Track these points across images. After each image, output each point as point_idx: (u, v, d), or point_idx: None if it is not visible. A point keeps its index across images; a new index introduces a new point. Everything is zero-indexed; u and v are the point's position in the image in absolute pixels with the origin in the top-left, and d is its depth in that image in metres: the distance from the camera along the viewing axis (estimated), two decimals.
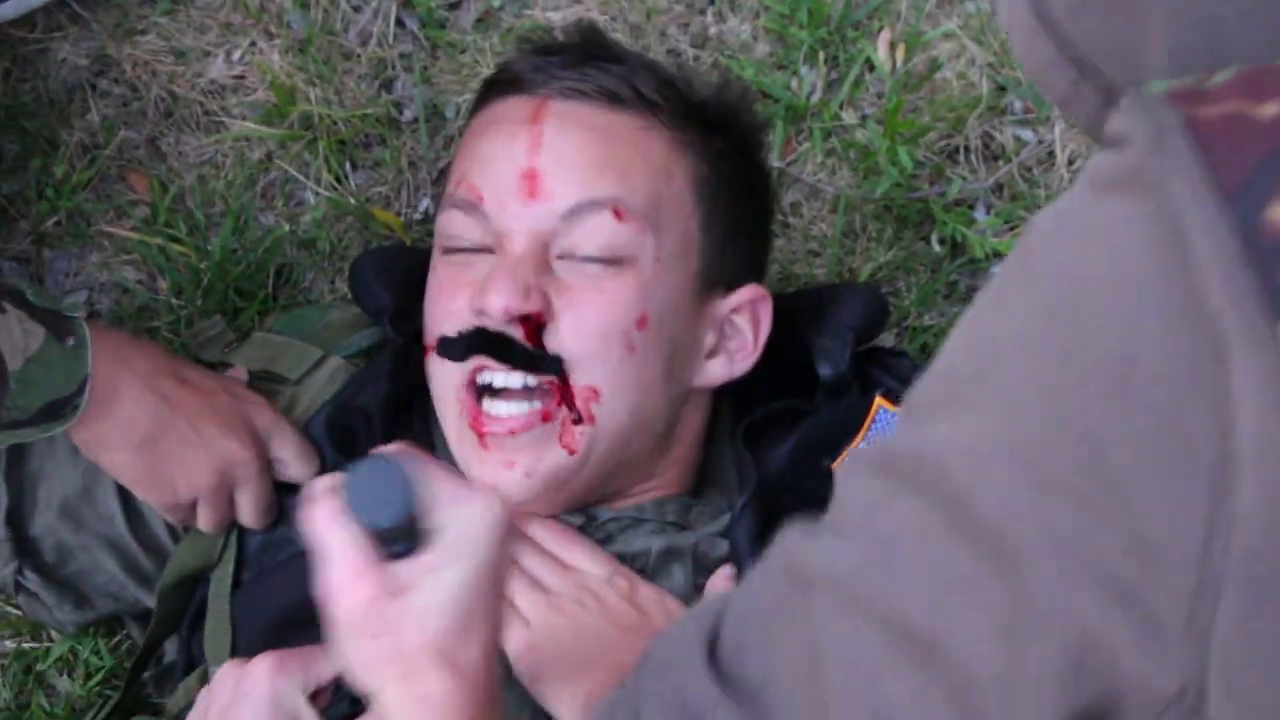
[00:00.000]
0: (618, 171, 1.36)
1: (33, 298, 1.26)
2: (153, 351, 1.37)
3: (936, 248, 1.74)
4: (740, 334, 1.43)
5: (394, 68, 1.77)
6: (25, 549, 1.46)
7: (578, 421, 1.34)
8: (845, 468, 0.86)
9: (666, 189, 1.38)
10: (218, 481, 1.37)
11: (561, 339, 1.34)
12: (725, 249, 1.42)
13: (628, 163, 1.37)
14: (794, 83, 1.76)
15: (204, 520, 1.40)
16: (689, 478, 1.46)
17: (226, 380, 1.42)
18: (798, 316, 1.51)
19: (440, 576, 1.00)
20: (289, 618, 1.35)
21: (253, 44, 1.76)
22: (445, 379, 1.38)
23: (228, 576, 1.42)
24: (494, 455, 1.35)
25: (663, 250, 1.37)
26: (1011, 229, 1.75)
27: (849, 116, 1.76)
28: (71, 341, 1.26)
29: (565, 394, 1.34)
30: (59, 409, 1.26)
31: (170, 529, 1.46)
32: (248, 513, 1.40)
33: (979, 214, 1.75)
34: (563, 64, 1.40)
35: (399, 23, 1.77)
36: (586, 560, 1.35)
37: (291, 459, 1.41)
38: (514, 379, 1.34)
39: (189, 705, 1.34)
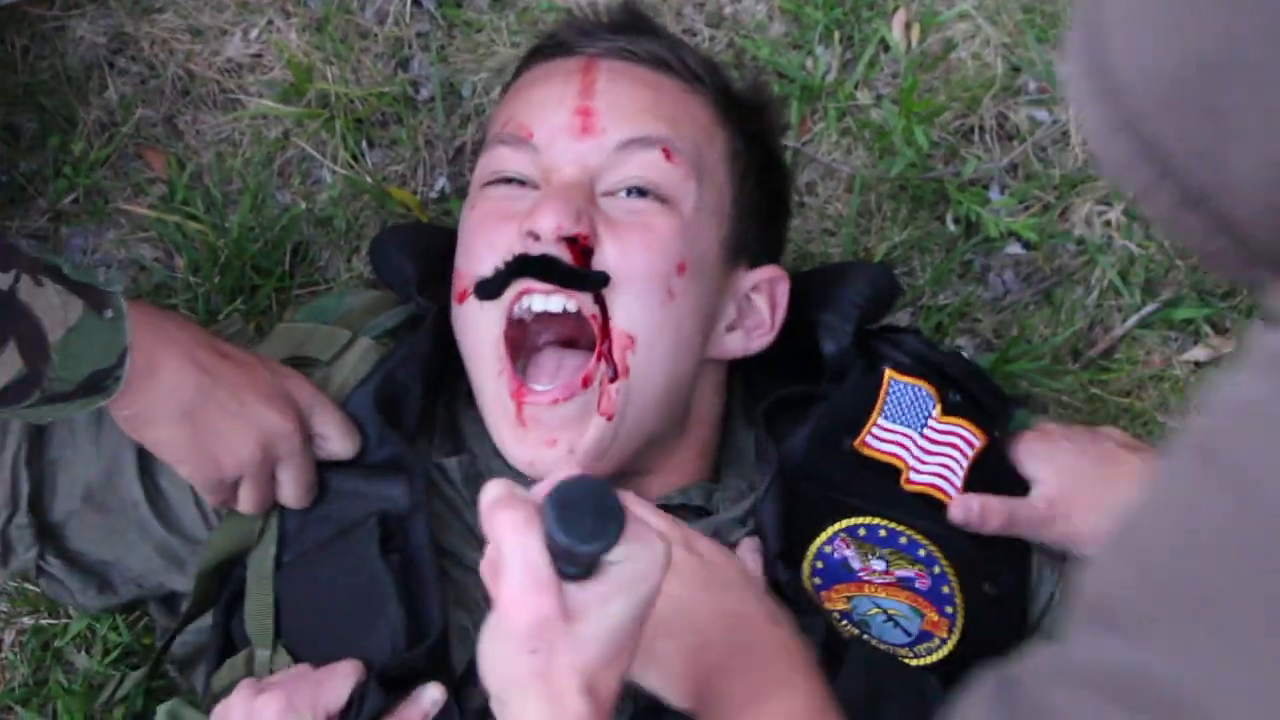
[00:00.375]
0: (667, 118, 1.40)
1: (69, 272, 1.26)
2: (189, 325, 1.37)
3: (951, 227, 1.75)
4: (758, 312, 1.45)
5: (410, 46, 1.77)
6: (48, 535, 1.45)
7: (613, 379, 1.35)
8: (1048, 679, 0.79)
9: (709, 148, 1.42)
10: (261, 455, 1.35)
11: (608, 260, 1.35)
12: (750, 224, 1.45)
13: (675, 112, 1.41)
14: (809, 63, 1.77)
15: (246, 499, 1.38)
16: (709, 462, 1.46)
17: (264, 356, 1.41)
18: (806, 295, 1.51)
19: (608, 609, 1.00)
20: (333, 599, 1.36)
21: (270, 22, 1.76)
22: (483, 331, 1.38)
23: (269, 558, 1.40)
24: (533, 433, 1.36)
25: (702, 201, 1.39)
26: (1026, 208, 1.76)
27: (864, 96, 1.76)
28: (110, 313, 1.25)
29: (604, 335, 1.34)
30: (100, 380, 1.25)
31: (200, 512, 1.45)
32: (290, 490, 1.39)
33: (994, 193, 1.76)
34: (611, 30, 1.45)
35: (415, 2, 1.77)
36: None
37: (334, 434, 1.40)
38: (554, 302, 1.35)
39: (233, 684, 1.34)
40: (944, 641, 1.37)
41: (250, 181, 1.71)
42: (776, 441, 1.42)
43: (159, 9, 1.75)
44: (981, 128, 1.77)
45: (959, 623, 1.38)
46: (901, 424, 1.45)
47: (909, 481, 1.43)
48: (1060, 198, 1.76)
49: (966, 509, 1.41)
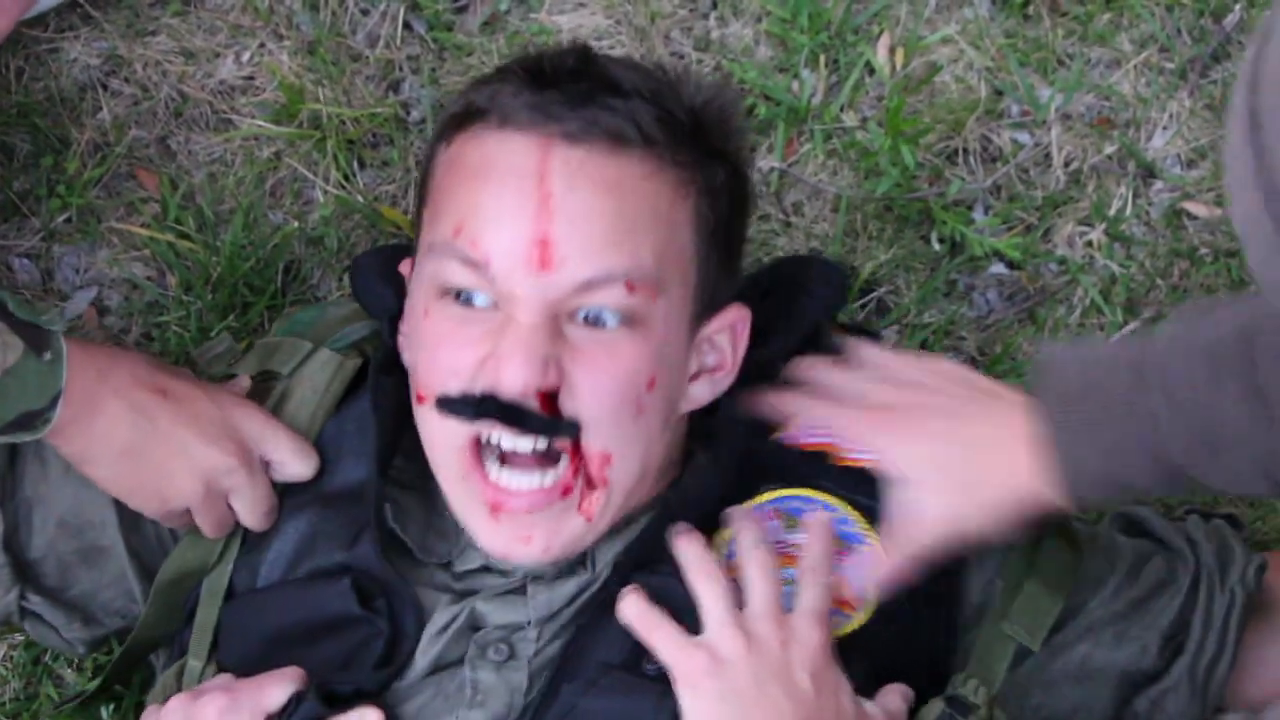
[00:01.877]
0: (629, 238, 1.31)
1: (14, 309, 1.28)
2: (135, 364, 1.39)
3: (936, 246, 1.77)
4: (719, 351, 1.41)
5: (401, 69, 1.79)
6: (26, 574, 1.46)
7: (593, 487, 1.33)
8: None
9: (672, 242, 1.34)
10: (205, 490, 1.38)
11: (578, 404, 1.30)
12: (717, 279, 1.39)
13: (636, 224, 1.31)
14: (795, 85, 1.79)
15: (202, 526, 1.42)
16: (666, 480, 1.44)
17: (213, 389, 1.43)
18: (765, 296, 1.51)
19: None
20: (273, 640, 1.38)
21: (262, 45, 1.78)
22: (445, 438, 1.34)
23: (224, 577, 1.43)
24: (507, 529, 1.33)
25: (670, 307, 1.34)
26: (1009, 228, 1.78)
27: (849, 119, 1.79)
28: (48, 356, 1.28)
29: (579, 459, 1.32)
30: (30, 421, 1.28)
31: (164, 538, 1.47)
32: (245, 517, 1.42)
33: (977, 214, 1.78)
34: (563, 101, 1.32)
35: (406, 25, 1.79)
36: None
37: (288, 458, 1.42)
38: (523, 443, 1.31)
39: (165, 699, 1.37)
40: (849, 617, 1.39)
41: (242, 201, 1.72)
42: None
43: (152, 32, 1.77)
44: (965, 150, 1.80)
45: (871, 600, 1.39)
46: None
47: (840, 459, 1.43)
48: (1043, 218, 1.78)
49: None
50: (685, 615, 1.32)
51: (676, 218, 1.34)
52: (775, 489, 1.41)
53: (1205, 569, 1.49)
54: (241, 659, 1.38)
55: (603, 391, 1.30)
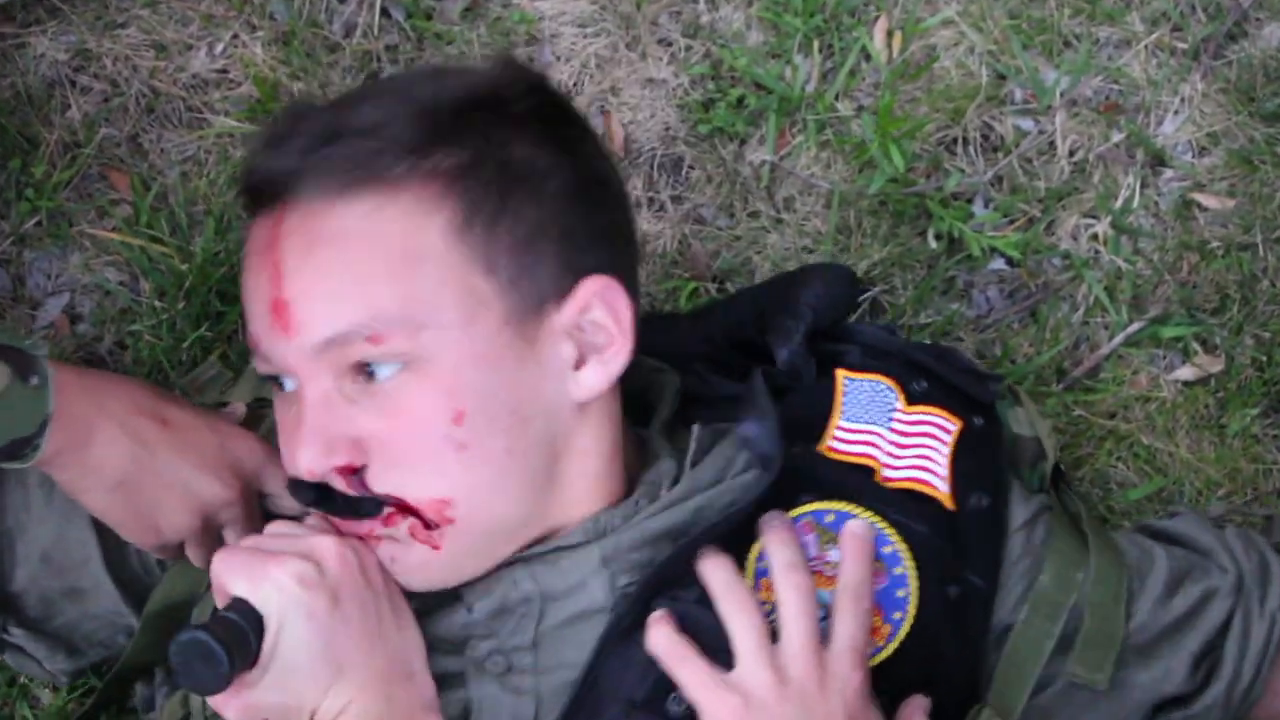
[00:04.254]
0: (358, 289, 1.23)
1: None
2: (133, 391, 1.34)
3: (933, 244, 1.70)
4: (602, 328, 1.29)
5: (380, 60, 1.73)
6: (8, 606, 1.43)
7: (433, 526, 1.26)
8: None
9: (419, 272, 1.24)
10: (200, 522, 1.34)
11: (382, 479, 1.25)
12: (528, 268, 1.27)
13: (366, 271, 1.23)
14: (788, 72, 1.72)
15: (193, 558, 1.38)
16: (618, 483, 1.35)
17: (213, 418, 1.38)
18: (766, 303, 1.46)
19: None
20: None
21: (235, 37, 1.72)
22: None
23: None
24: (378, 548, 1.29)
25: (449, 331, 1.24)
26: (1010, 222, 1.71)
27: (844, 107, 1.72)
28: (35, 380, 1.23)
29: (405, 511, 1.26)
30: (18, 449, 1.23)
31: (161, 561, 1.44)
32: None
33: (977, 208, 1.71)
34: (287, 164, 1.26)
35: (384, 13, 1.73)
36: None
37: (284, 492, 1.37)
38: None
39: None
40: (878, 649, 1.33)
41: (215, 204, 1.67)
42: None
43: (121, 24, 1.71)
44: (965, 139, 1.73)
45: (902, 630, 1.34)
46: (864, 422, 1.40)
47: (885, 480, 1.37)
48: (1046, 211, 1.71)
49: None
50: (714, 648, 1.26)
51: (417, 241, 1.24)
52: (813, 501, 1.35)
53: (1245, 593, 1.44)
54: None
55: (397, 453, 1.24)
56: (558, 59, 1.73)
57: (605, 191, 1.34)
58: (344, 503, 1.26)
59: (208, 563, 1.35)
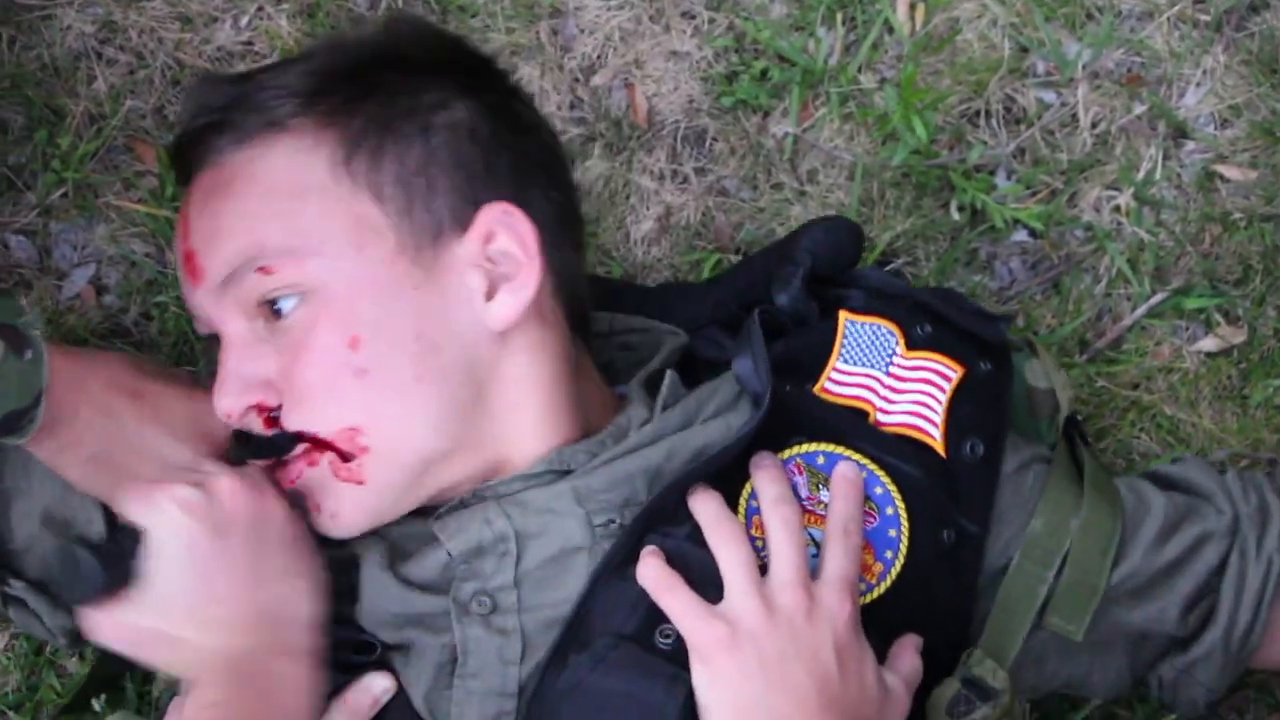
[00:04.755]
0: (243, 225, 1.31)
1: None
2: (112, 367, 1.36)
3: (956, 215, 1.71)
4: (510, 257, 1.33)
5: None
6: (9, 564, 1.45)
7: (348, 459, 1.30)
8: None
9: (304, 205, 1.31)
10: None
11: (293, 416, 1.30)
12: (419, 198, 1.32)
13: (250, 209, 1.31)
14: (811, 45, 1.73)
15: None
16: (570, 419, 1.37)
17: (191, 388, 1.40)
18: (770, 257, 1.48)
19: None
20: None
21: (260, 9, 1.72)
22: None
23: None
24: (306, 502, 1.33)
25: (339, 260, 1.29)
26: (1033, 194, 1.72)
27: (867, 80, 1.72)
28: (29, 354, 1.26)
29: (320, 447, 1.30)
30: (16, 421, 1.25)
31: None
32: None
33: (1000, 179, 1.72)
34: (193, 131, 1.37)
35: None
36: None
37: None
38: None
39: (172, 683, 1.37)
40: (871, 587, 1.34)
41: None
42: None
43: None
44: (988, 111, 1.73)
45: (894, 570, 1.35)
46: (862, 365, 1.41)
47: (879, 424, 1.38)
48: (1069, 183, 1.72)
49: None
50: (704, 582, 1.27)
51: (309, 177, 1.31)
52: (804, 443, 1.36)
53: (1241, 535, 1.44)
54: None
55: (302, 386, 1.30)
56: (582, 31, 1.73)
57: (509, 126, 1.38)
58: (263, 445, 1.32)
59: None
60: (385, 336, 1.29)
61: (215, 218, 1.33)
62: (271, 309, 1.31)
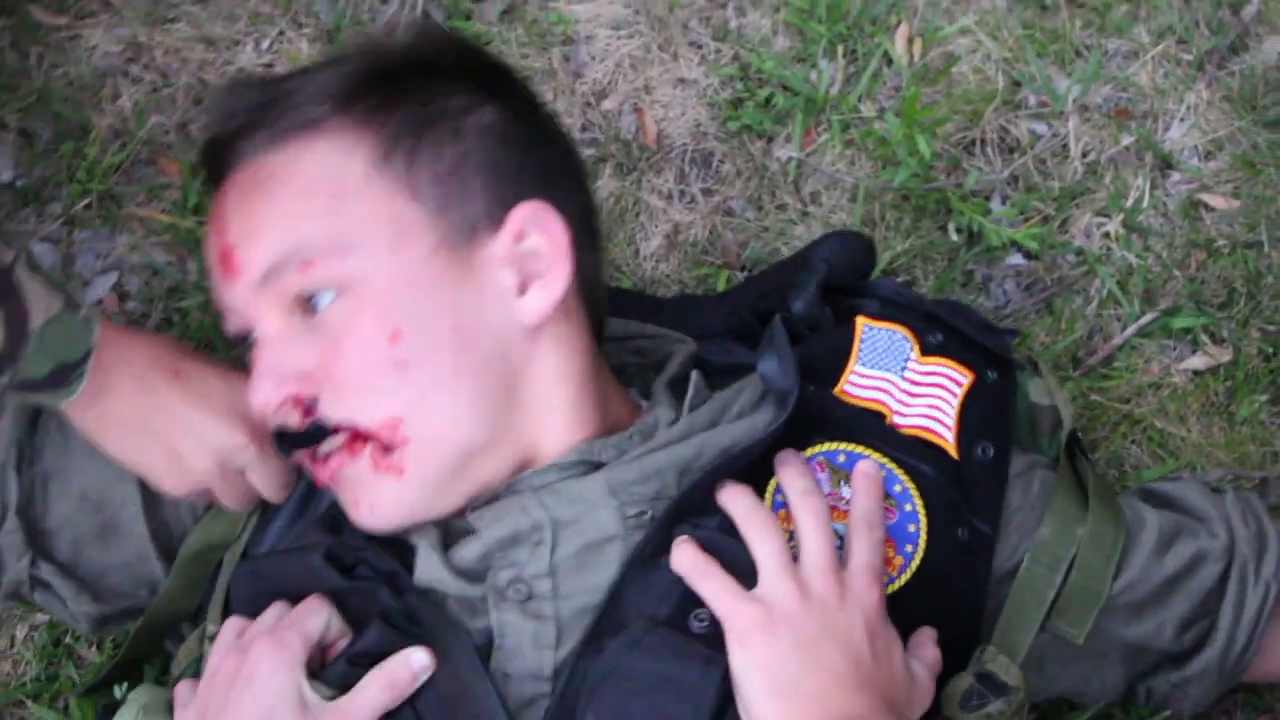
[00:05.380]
0: (285, 221, 1.33)
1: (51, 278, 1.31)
2: (155, 346, 1.40)
3: (954, 236, 1.77)
4: (540, 255, 1.36)
5: None
6: (39, 543, 1.47)
7: (389, 450, 1.32)
8: None
9: (343, 203, 1.33)
10: (217, 467, 1.39)
11: (333, 408, 1.32)
12: (454, 197, 1.35)
13: (294, 207, 1.34)
14: (813, 75, 1.80)
15: (223, 501, 1.43)
16: (596, 415, 1.40)
17: (229, 370, 1.43)
18: (784, 269, 1.53)
19: None
20: (277, 599, 1.37)
21: (281, 33, 1.78)
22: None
23: (241, 547, 1.45)
24: (345, 496, 1.35)
25: (378, 256, 1.32)
26: (1026, 219, 1.78)
27: (867, 109, 1.79)
28: (83, 313, 1.31)
29: (362, 438, 1.32)
30: (66, 375, 1.29)
31: (182, 518, 1.49)
32: (263, 491, 1.43)
33: (995, 204, 1.78)
34: (227, 130, 1.39)
35: (425, 13, 1.80)
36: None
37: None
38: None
39: (190, 665, 1.40)
40: (892, 579, 1.37)
41: None
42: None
43: (172, 19, 1.78)
44: (983, 140, 1.80)
45: (914, 564, 1.38)
46: (879, 369, 1.45)
47: (895, 425, 1.43)
48: (1060, 209, 1.78)
49: None
50: (735, 570, 1.29)
51: (347, 176, 1.34)
52: (825, 442, 1.40)
53: (1239, 556, 1.49)
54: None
55: (341, 378, 1.31)
56: (593, 59, 1.80)
57: (534, 131, 1.42)
58: (297, 439, 1.34)
59: (238, 505, 1.44)
60: (424, 330, 1.32)
61: (254, 214, 1.35)
62: (308, 304, 1.33)
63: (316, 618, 1.31)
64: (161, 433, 1.37)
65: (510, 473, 1.37)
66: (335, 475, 1.34)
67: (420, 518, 1.35)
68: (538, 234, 1.36)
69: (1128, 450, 1.73)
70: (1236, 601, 1.48)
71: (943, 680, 1.37)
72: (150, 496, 1.46)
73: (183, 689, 1.36)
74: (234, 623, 1.36)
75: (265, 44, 1.78)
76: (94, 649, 1.62)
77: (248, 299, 1.35)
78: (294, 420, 1.34)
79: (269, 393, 1.33)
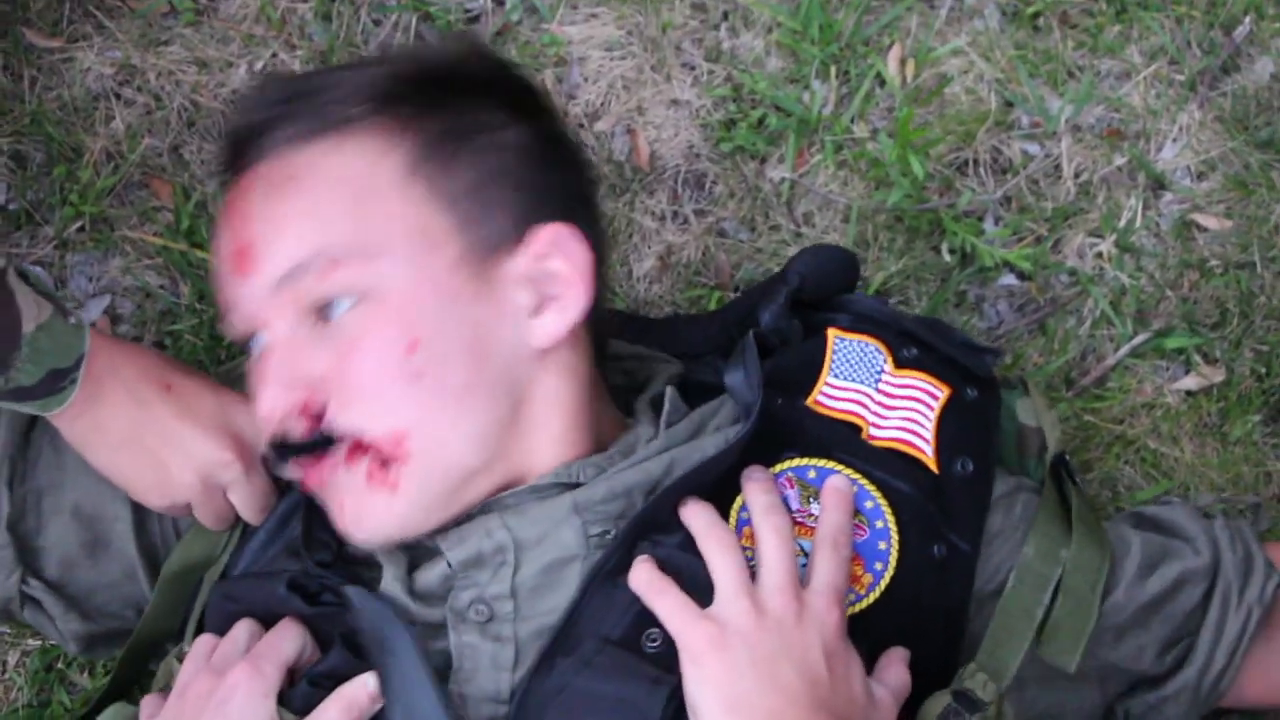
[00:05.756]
0: (313, 219, 1.32)
1: (34, 283, 1.31)
2: (146, 359, 1.40)
3: (946, 257, 1.77)
4: (559, 278, 1.36)
5: None
6: (29, 559, 1.46)
7: (387, 464, 1.30)
8: None
9: (373, 206, 1.32)
10: (201, 483, 1.39)
11: (340, 416, 1.31)
12: (482, 212, 1.34)
13: (321, 206, 1.32)
14: (806, 96, 1.80)
15: (201, 518, 1.43)
16: (587, 435, 1.40)
17: (217, 386, 1.43)
18: (765, 284, 1.53)
19: None
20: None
21: (274, 55, 1.78)
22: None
23: (220, 568, 1.45)
24: (332, 504, 1.35)
25: (403, 262, 1.31)
26: (1019, 239, 1.78)
27: (860, 130, 1.79)
28: (73, 320, 1.32)
29: (362, 449, 1.31)
30: (58, 380, 1.30)
31: (167, 538, 1.49)
32: (242, 510, 1.43)
33: (988, 225, 1.79)
34: (255, 121, 1.37)
35: (418, 35, 1.79)
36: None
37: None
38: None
39: (167, 685, 1.38)
40: (860, 597, 1.36)
41: None
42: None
43: (165, 41, 1.77)
44: (976, 161, 1.80)
45: (883, 583, 1.37)
46: (853, 380, 1.44)
47: (871, 438, 1.42)
48: (1053, 230, 1.79)
49: None
50: (694, 589, 1.28)
51: (378, 179, 1.33)
52: (794, 458, 1.38)
53: (1224, 579, 1.49)
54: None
55: (354, 385, 1.30)
56: (586, 80, 1.80)
57: (561, 154, 1.43)
58: (301, 450, 1.32)
59: (217, 524, 1.44)
60: (442, 343, 1.30)
61: (279, 211, 1.33)
62: (323, 310, 1.31)
63: (291, 644, 1.31)
64: (150, 445, 1.37)
65: (491, 493, 1.36)
66: (325, 481, 1.33)
67: (405, 535, 1.34)
68: (559, 256, 1.35)
69: (1121, 471, 1.73)
70: (1217, 624, 1.47)
71: (919, 699, 1.36)
72: (141, 515, 1.46)
73: (150, 702, 1.36)
74: (204, 640, 1.35)
75: (259, 66, 1.78)
76: (86, 674, 1.62)
77: (261, 299, 1.33)
78: (298, 429, 1.32)
79: (277, 399, 1.31)
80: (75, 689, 1.62)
